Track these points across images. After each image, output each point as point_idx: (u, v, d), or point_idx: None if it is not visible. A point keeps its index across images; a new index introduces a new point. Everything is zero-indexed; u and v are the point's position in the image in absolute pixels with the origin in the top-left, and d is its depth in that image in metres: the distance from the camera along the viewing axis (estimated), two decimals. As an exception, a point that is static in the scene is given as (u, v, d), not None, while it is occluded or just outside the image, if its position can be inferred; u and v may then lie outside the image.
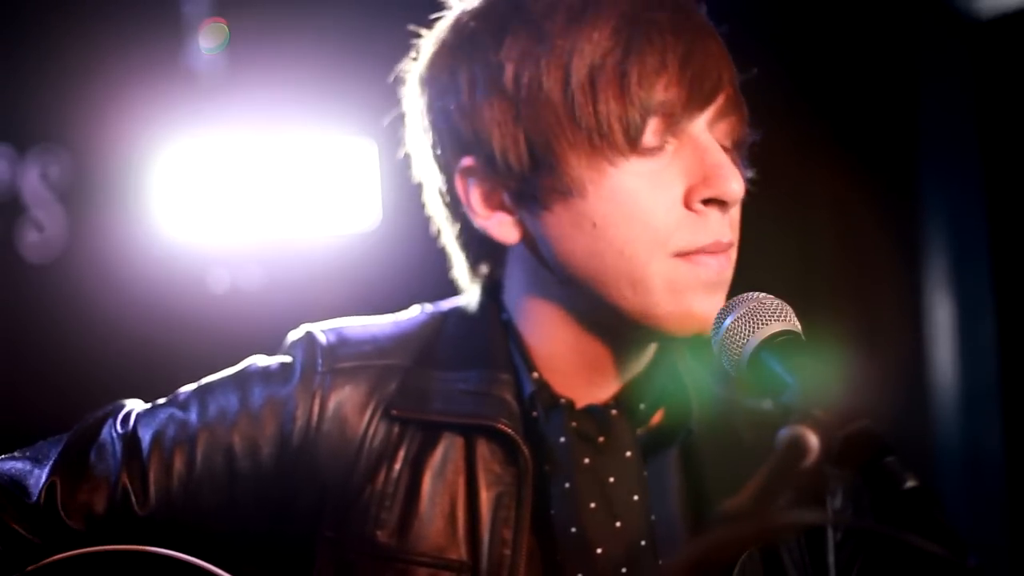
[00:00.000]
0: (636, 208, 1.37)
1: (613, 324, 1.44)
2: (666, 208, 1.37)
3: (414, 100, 1.50)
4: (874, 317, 3.35)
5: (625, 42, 1.36)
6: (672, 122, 1.37)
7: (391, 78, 1.54)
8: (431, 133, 1.48)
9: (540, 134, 1.38)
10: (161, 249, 3.05)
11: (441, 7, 1.52)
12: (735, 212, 1.43)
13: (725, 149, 1.42)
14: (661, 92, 1.35)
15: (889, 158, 3.48)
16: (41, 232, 2.95)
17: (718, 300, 1.39)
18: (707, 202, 1.38)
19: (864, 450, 1.06)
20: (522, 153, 1.39)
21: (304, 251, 3.21)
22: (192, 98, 3.06)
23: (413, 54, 1.52)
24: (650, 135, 1.37)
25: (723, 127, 1.42)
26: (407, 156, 1.56)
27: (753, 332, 1.25)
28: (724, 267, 1.41)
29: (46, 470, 1.43)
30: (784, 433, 1.05)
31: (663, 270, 1.38)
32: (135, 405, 1.51)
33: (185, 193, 3.08)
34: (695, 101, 1.37)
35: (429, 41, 1.49)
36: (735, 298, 1.32)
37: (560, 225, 1.40)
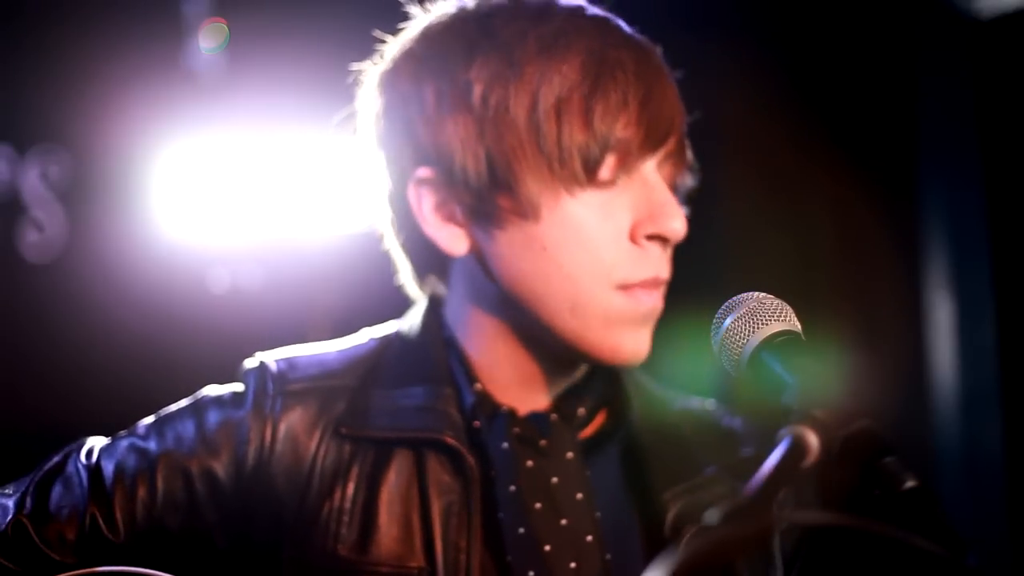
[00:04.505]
0: (585, 236, 1.44)
1: (548, 342, 1.50)
2: (612, 239, 1.45)
3: (370, 104, 1.55)
4: (874, 317, 3.35)
5: (593, 78, 1.42)
6: (627, 159, 1.44)
7: (350, 77, 1.57)
8: (386, 139, 1.52)
9: (502, 154, 1.43)
10: (161, 249, 3.05)
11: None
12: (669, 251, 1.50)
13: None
14: (620, 130, 1.42)
15: (889, 158, 3.47)
16: (41, 232, 2.95)
17: (646, 335, 1.49)
18: (650, 238, 1.46)
19: (864, 450, 1.07)
20: (482, 170, 1.44)
21: (304, 251, 3.21)
22: (192, 98, 3.06)
23: (376, 57, 1.55)
24: (606, 169, 1.43)
25: (667, 169, 1.49)
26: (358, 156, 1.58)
27: (753, 332, 1.25)
28: (656, 304, 1.49)
29: (12, 503, 1.47)
30: (784, 433, 1.05)
31: (603, 299, 1.45)
32: (97, 441, 1.55)
33: (185, 193, 3.08)
34: (650, 142, 1.45)
35: (394, 48, 1.54)
36: (735, 298, 1.32)
37: (510, 244, 1.46)
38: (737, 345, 1.27)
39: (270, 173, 3.14)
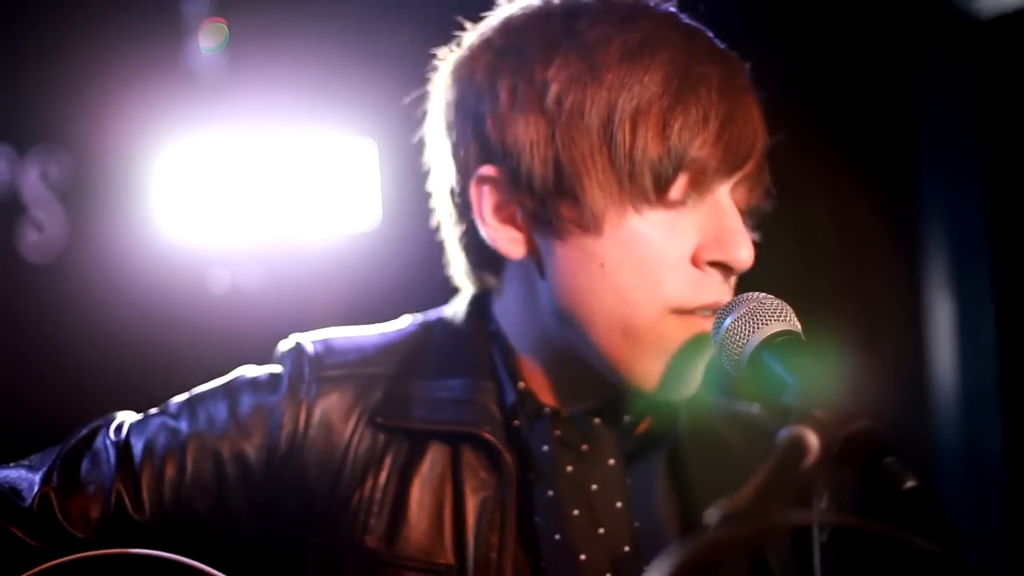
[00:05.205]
0: (646, 258, 1.37)
1: (594, 364, 1.44)
2: (674, 262, 1.38)
3: (443, 91, 1.49)
4: (874, 317, 3.35)
5: (674, 92, 1.36)
6: (700, 180, 1.37)
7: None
8: (455, 130, 1.47)
9: (571, 161, 1.37)
10: (161, 249, 3.05)
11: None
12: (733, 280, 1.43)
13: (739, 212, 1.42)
14: (697, 148, 1.36)
15: (889, 158, 3.47)
16: (41, 232, 2.95)
17: (698, 370, 1.42)
18: (713, 264, 1.39)
19: (864, 450, 1.07)
20: (548, 175, 1.39)
21: (304, 251, 3.20)
22: (192, 98, 3.06)
23: (454, 44, 1.50)
24: (677, 189, 1.37)
25: (742, 191, 1.42)
26: (420, 144, 1.54)
27: (753, 332, 1.26)
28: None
29: (39, 476, 1.44)
30: (784, 433, 1.04)
31: (656, 324, 1.39)
32: (127, 416, 1.53)
33: (185, 193, 3.08)
34: (727, 165, 1.38)
35: (473, 37, 1.48)
36: (735, 298, 1.32)
37: (568, 257, 1.40)
38: (737, 345, 1.27)
39: (270, 173, 3.14)
